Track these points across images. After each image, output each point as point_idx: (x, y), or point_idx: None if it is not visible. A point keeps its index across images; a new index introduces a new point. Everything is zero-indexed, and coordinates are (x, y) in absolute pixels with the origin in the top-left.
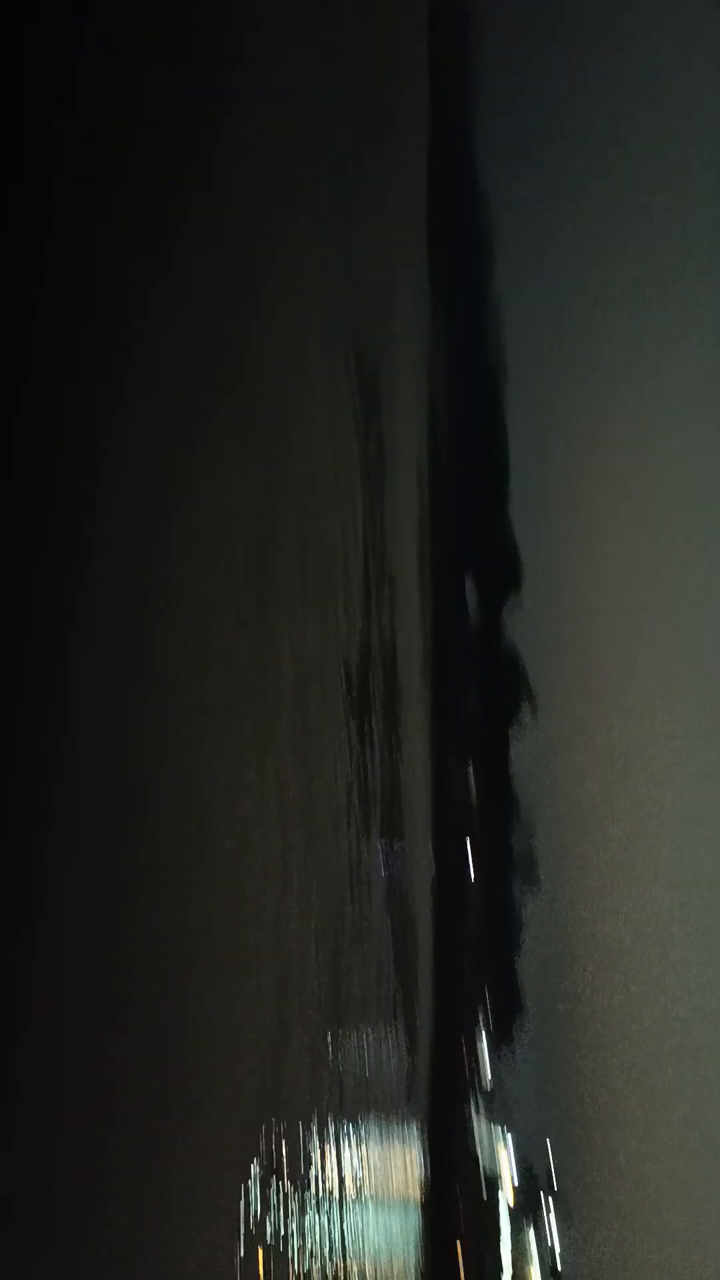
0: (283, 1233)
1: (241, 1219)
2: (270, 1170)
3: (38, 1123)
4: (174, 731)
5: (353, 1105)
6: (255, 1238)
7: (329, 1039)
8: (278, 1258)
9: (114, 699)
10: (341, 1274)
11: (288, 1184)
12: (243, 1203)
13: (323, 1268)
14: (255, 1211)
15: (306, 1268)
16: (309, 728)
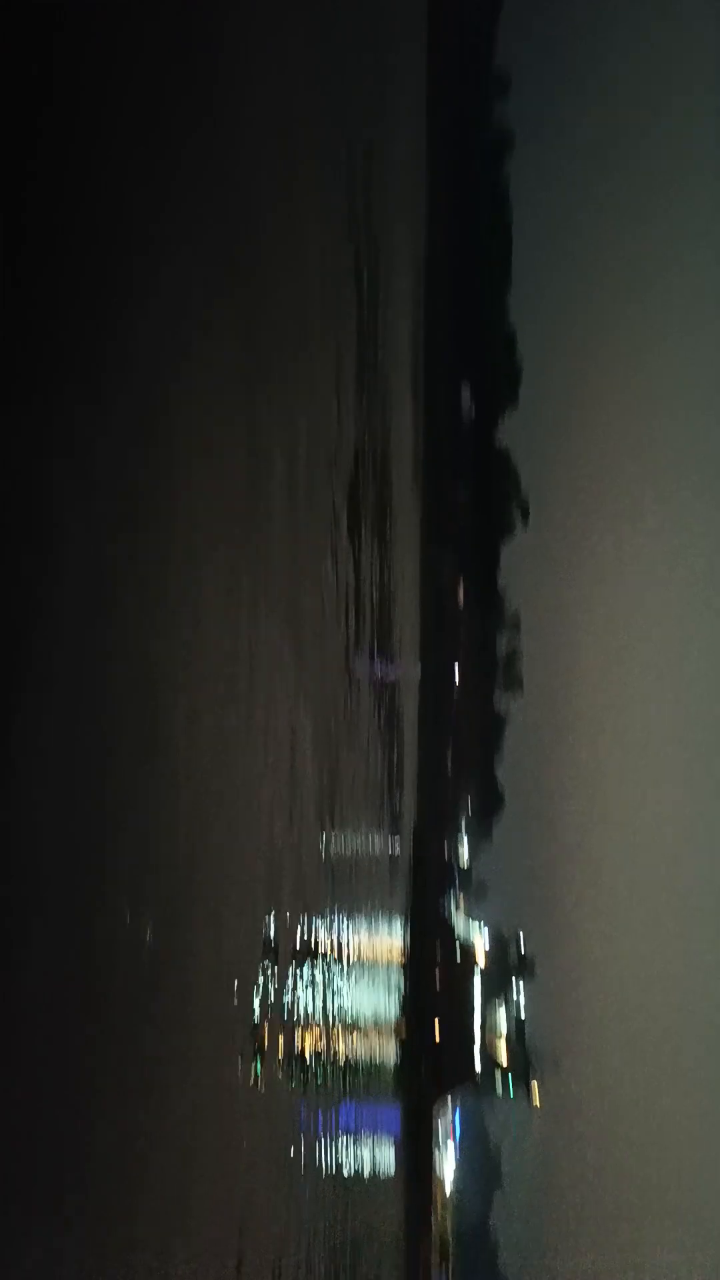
0: (285, 1001)
1: (253, 993)
2: (272, 946)
3: (53, 879)
4: (167, 539)
5: (344, 889)
6: (262, 1009)
7: (322, 830)
8: (282, 1024)
9: (104, 505)
10: (335, 1034)
11: (287, 959)
12: (254, 979)
13: (319, 1029)
14: (261, 984)
15: (305, 1030)
16: (299, 533)
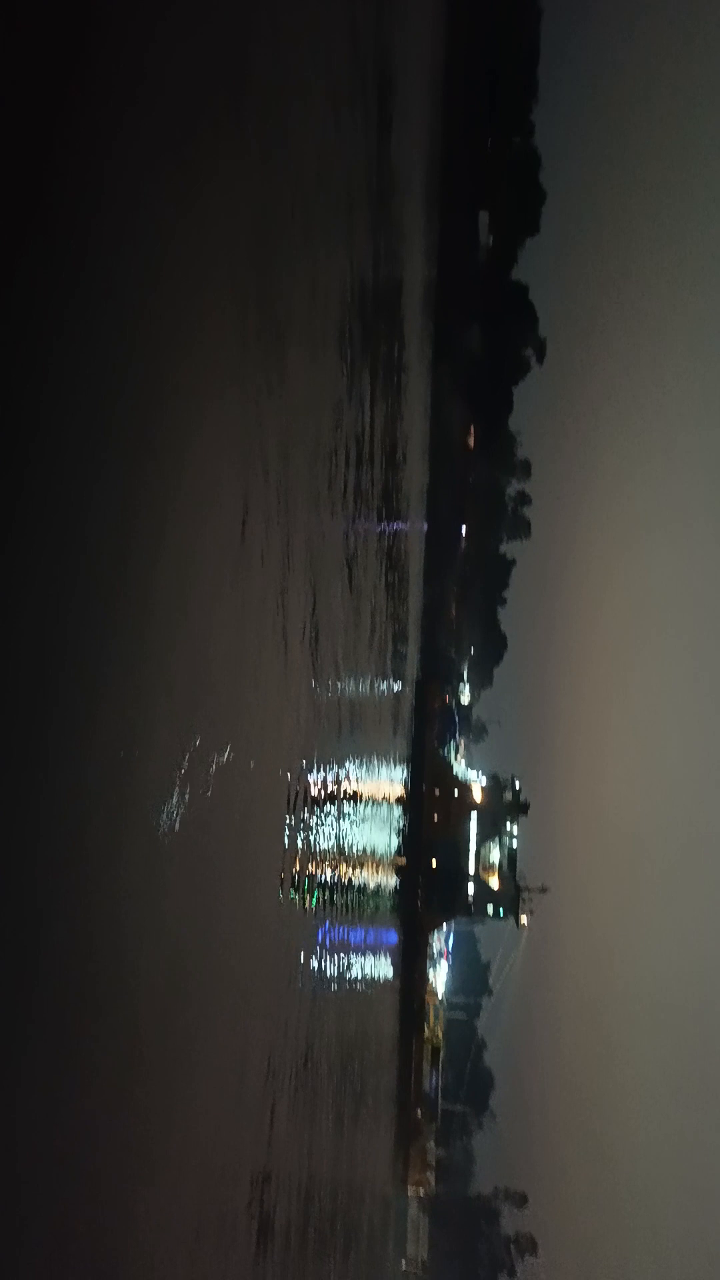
0: (299, 836)
1: (272, 830)
2: (287, 788)
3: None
4: (170, 379)
5: (350, 735)
6: (279, 844)
7: (330, 680)
8: (295, 856)
9: (109, 336)
10: (342, 865)
11: (301, 799)
12: (273, 818)
13: (328, 861)
14: (278, 822)
15: (315, 862)
16: (306, 375)
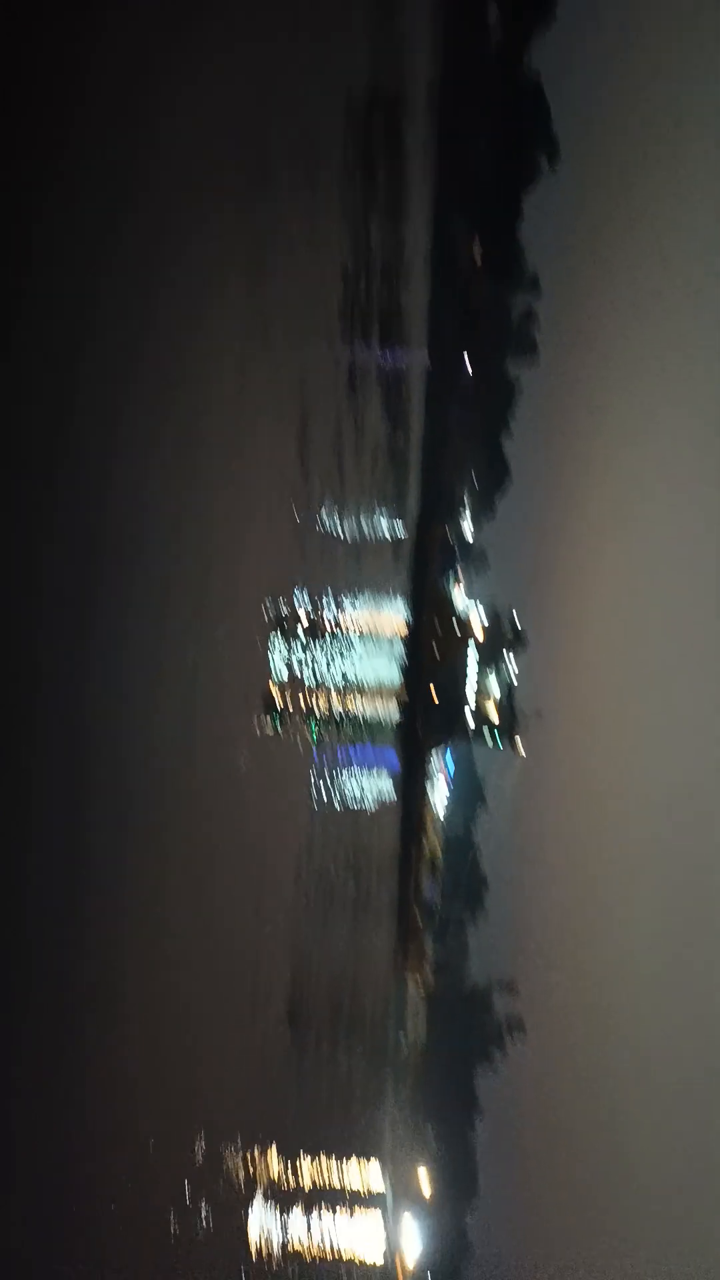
0: (303, 669)
1: (272, 661)
2: (287, 621)
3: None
4: (162, 207)
5: (352, 569)
6: (282, 674)
7: (331, 514)
8: (301, 688)
9: (101, 184)
10: (346, 695)
11: (302, 633)
12: (272, 650)
13: (332, 691)
14: (281, 654)
15: (320, 692)
16: (301, 190)
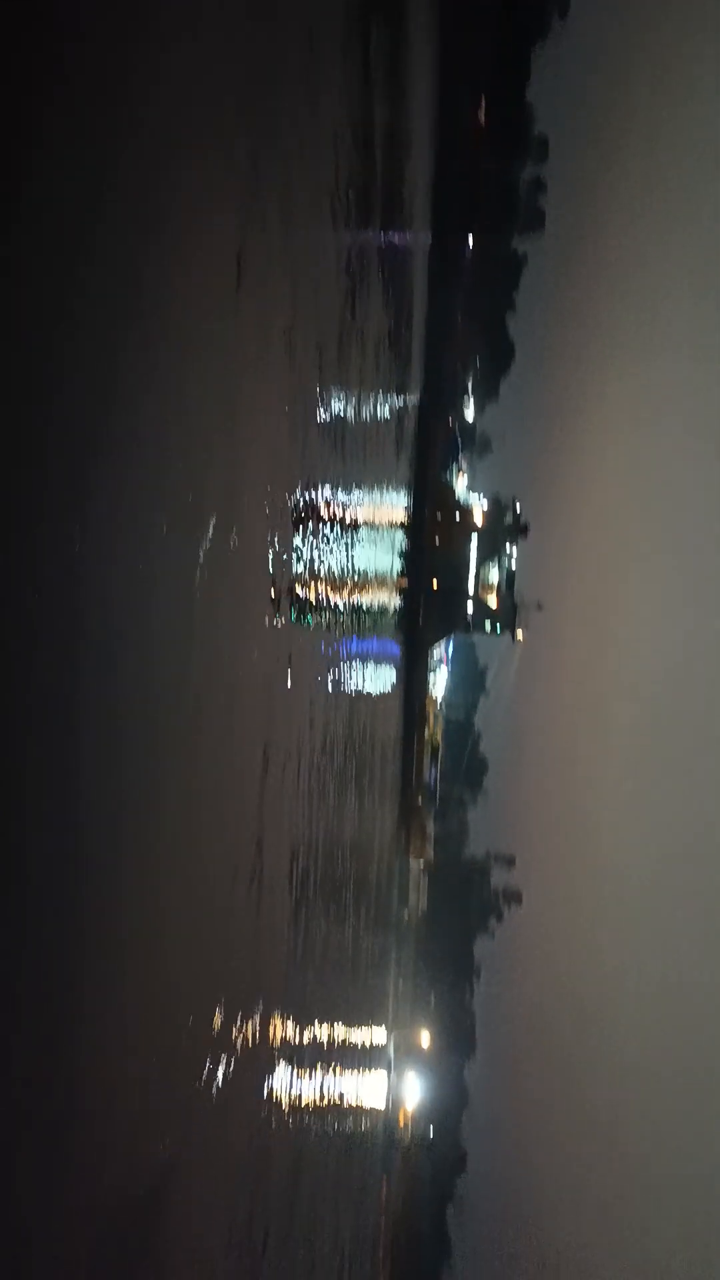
0: (300, 560)
1: (270, 553)
2: (284, 511)
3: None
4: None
5: (352, 457)
6: (278, 567)
7: (329, 401)
8: (298, 579)
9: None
10: (345, 586)
11: (300, 524)
12: (270, 541)
13: (331, 582)
14: (283, 550)
15: (318, 583)
16: (304, 52)
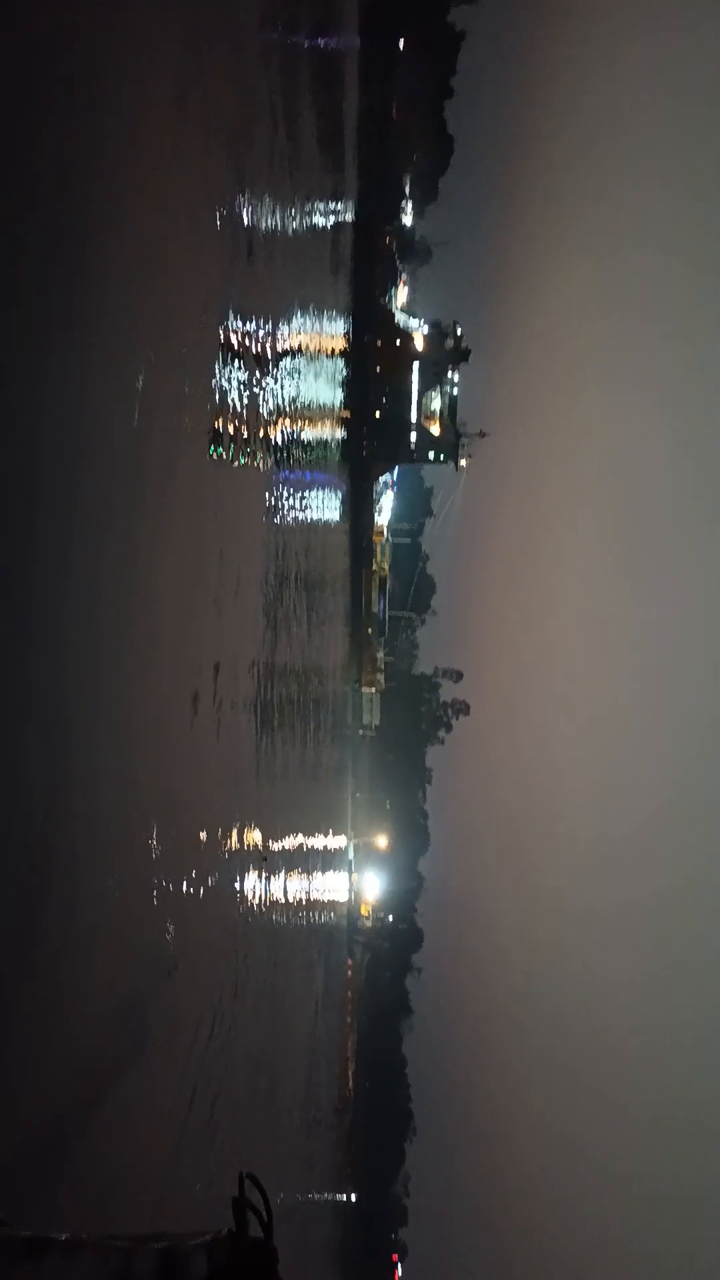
0: (242, 399)
1: (211, 387)
2: (222, 347)
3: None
4: None
5: (289, 282)
6: (221, 403)
7: (267, 220)
8: (239, 415)
9: None
10: (286, 422)
11: (239, 358)
12: (210, 375)
13: (274, 418)
14: (221, 382)
15: (261, 420)
16: None
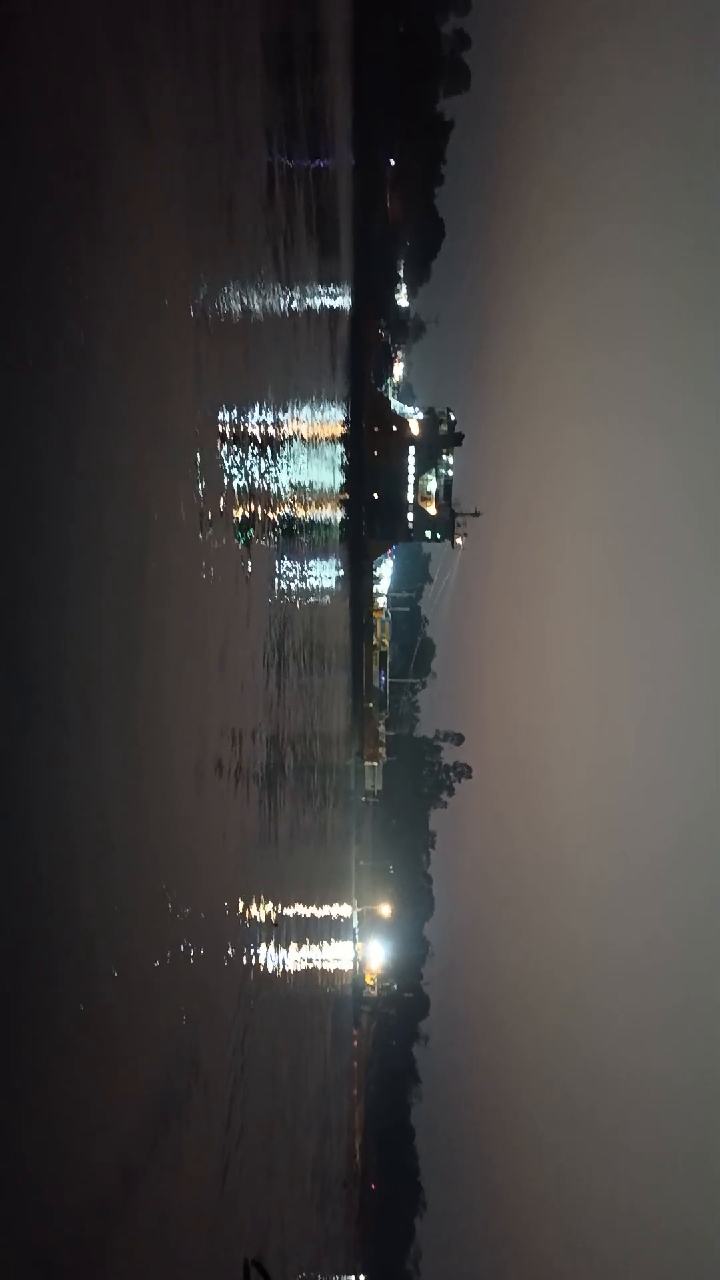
0: (242, 484)
1: (210, 474)
2: (224, 434)
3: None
4: None
5: (284, 374)
6: (220, 487)
7: (259, 310)
8: (238, 497)
9: None
10: (286, 505)
11: (241, 446)
12: (214, 464)
13: (273, 499)
14: (222, 467)
15: (262, 503)
16: None
